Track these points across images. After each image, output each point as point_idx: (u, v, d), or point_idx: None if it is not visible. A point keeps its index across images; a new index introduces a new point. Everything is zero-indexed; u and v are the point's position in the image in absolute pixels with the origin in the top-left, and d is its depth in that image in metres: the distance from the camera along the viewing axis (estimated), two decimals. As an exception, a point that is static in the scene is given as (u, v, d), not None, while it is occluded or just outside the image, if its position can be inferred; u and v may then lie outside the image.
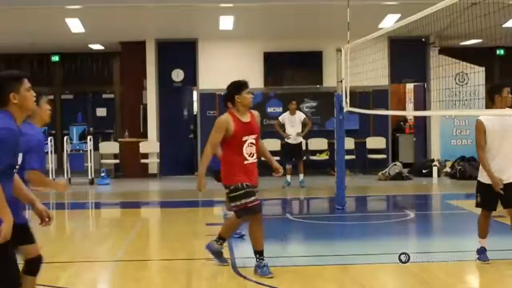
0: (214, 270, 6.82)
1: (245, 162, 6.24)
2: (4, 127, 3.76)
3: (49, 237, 9.48)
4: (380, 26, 14.41)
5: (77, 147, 15.86)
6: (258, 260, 6.37)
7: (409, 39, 14.48)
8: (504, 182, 6.42)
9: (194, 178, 6.37)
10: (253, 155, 6.29)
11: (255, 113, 6.54)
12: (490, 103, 6.63)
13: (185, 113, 17.63)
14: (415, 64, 17.05)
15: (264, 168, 17.92)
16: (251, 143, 6.27)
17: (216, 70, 16.87)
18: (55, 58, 19.50)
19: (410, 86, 19.01)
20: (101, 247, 8.30)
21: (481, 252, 6.66)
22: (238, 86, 6.33)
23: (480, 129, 6.49)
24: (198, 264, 7.14)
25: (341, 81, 10.84)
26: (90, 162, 15.55)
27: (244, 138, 6.23)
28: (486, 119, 6.51)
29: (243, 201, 6.22)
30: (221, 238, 6.78)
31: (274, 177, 6.92)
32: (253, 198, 6.22)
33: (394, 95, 18.23)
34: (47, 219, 4.55)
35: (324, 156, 16.68)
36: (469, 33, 7.62)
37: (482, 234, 6.66)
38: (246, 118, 6.32)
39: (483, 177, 6.56)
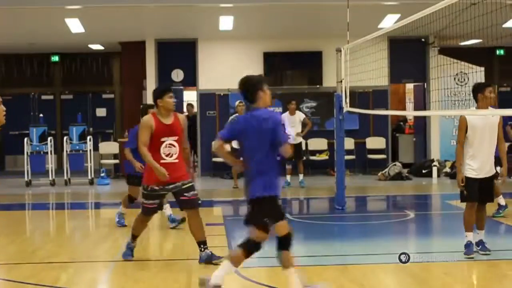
0: (214, 270, 6.82)
1: (162, 161, 6.67)
2: None
3: (49, 237, 9.50)
4: (380, 26, 14.42)
5: (77, 147, 15.86)
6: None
7: (408, 39, 14.48)
8: (481, 177, 6.79)
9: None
10: (171, 156, 6.74)
11: (181, 116, 6.99)
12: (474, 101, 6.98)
13: (185, 113, 17.63)
14: (414, 64, 17.05)
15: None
16: (171, 144, 6.73)
17: (216, 70, 16.88)
18: (55, 58, 19.52)
19: (409, 86, 19.02)
20: (101, 247, 8.29)
21: (468, 246, 6.76)
22: (160, 92, 6.85)
23: (461, 126, 6.81)
24: (198, 264, 7.14)
25: (341, 81, 10.84)
26: (90, 162, 15.55)
27: (162, 139, 6.71)
28: (470, 116, 6.83)
29: (144, 201, 7.01)
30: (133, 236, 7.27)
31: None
32: (150, 201, 6.93)
33: (393, 95, 18.23)
34: None
35: (324, 156, 16.68)
36: (468, 33, 7.61)
37: (469, 228, 6.83)
38: (168, 120, 6.78)
39: (468, 172, 6.81)
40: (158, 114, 6.81)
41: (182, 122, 6.92)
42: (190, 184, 6.85)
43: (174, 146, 6.75)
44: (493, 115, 6.77)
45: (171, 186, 6.79)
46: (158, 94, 6.83)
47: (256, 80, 5.48)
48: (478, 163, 6.76)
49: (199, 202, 6.96)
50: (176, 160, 6.77)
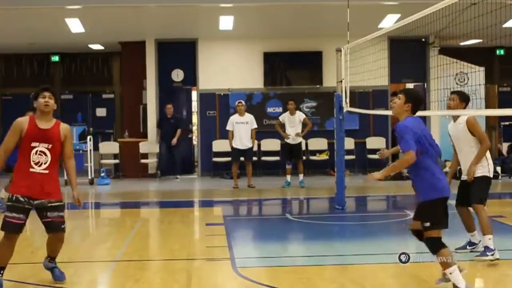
0: (214, 270, 6.83)
1: (31, 169, 5.90)
2: None
3: (49, 237, 9.49)
4: (380, 26, 14.43)
5: (77, 147, 15.84)
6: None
7: (409, 39, 14.48)
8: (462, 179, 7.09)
9: None
10: (41, 165, 5.93)
11: (64, 126, 6.15)
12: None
13: (184, 113, 17.63)
14: (415, 64, 17.06)
15: (264, 168, 17.88)
16: (42, 151, 5.93)
17: (216, 70, 16.89)
18: (55, 58, 19.53)
19: (410, 86, 19.00)
20: (101, 247, 8.29)
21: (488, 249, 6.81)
22: (35, 93, 6.12)
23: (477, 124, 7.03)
24: (198, 264, 7.14)
25: (341, 81, 10.84)
26: (90, 162, 15.55)
27: (33, 144, 5.91)
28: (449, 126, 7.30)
29: (6, 213, 5.90)
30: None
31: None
32: (14, 214, 5.86)
33: (394, 95, 18.23)
34: None
35: (324, 156, 16.68)
36: (468, 33, 7.62)
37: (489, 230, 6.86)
38: (45, 125, 6.00)
39: (490, 172, 7.00)
40: (36, 117, 6.03)
41: (63, 132, 6.08)
42: (57, 204, 6.02)
43: (45, 154, 5.94)
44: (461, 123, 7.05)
45: (36, 202, 5.94)
46: (35, 95, 6.12)
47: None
48: (463, 167, 7.18)
49: (63, 226, 6.13)
50: (46, 171, 5.95)
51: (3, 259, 5.94)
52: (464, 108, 7.08)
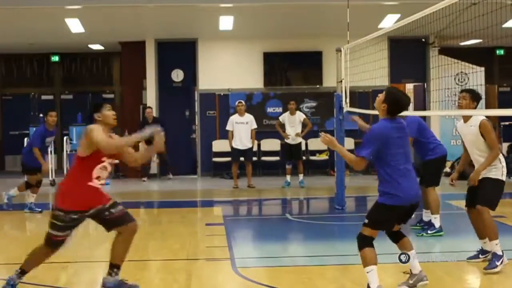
0: (214, 270, 6.83)
1: (89, 183, 5.65)
2: None
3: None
4: (380, 26, 14.43)
5: (77, 147, 15.87)
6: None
7: (409, 39, 14.49)
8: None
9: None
10: (100, 179, 5.73)
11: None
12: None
13: (187, 113, 17.60)
14: (415, 64, 17.06)
15: (264, 168, 17.91)
16: (105, 166, 5.76)
17: (216, 70, 16.89)
18: (55, 58, 19.52)
19: (410, 86, 19.00)
20: (101, 247, 8.27)
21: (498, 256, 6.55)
22: (98, 104, 6.05)
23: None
24: (198, 264, 7.14)
25: (341, 81, 10.84)
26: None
27: (102, 158, 5.72)
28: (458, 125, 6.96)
29: (56, 232, 5.64)
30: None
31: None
32: (65, 233, 5.66)
33: (394, 95, 18.22)
34: None
35: (323, 156, 16.68)
36: (468, 33, 7.62)
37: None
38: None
39: (503, 175, 6.66)
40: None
41: None
42: (112, 202, 5.86)
43: (106, 169, 5.77)
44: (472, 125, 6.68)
45: (91, 211, 5.71)
46: (96, 107, 6.01)
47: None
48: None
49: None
50: (102, 185, 5.78)
51: (31, 265, 5.83)
52: (475, 108, 6.81)
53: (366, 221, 5.55)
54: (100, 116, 5.90)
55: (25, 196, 11.35)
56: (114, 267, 5.79)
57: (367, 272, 5.35)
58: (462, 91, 6.94)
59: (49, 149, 12.38)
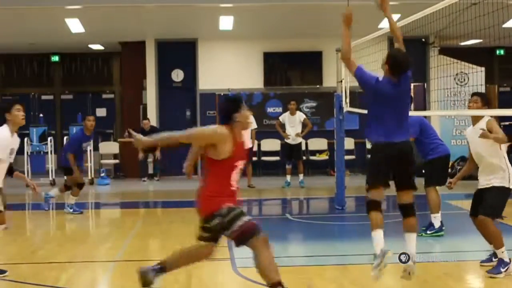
0: (214, 270, 6.83)
1: (231, 188, 5.22)
2: None
3: (49, 237, 9.50)
4: (380, 26, 14.41)
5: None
6: None
7: (409, 39, 14.44)
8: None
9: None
10: (236, 183, 5.25)
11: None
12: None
13: (188, 113, 17.59)
14: (415, 64, 16.97)
15: (264, 168, 17.87)
16: (241, 169, 5.25)
17: (216, 70, 16.89)
18: (55, 58, 19.53)
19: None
20: (101, 247, 8.29)
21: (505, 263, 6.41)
22: (235, 103, 5.19)
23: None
24: (198, 264, 7.13)
25: (341, 81, 10.84)
26: (90, 162, 15.55)
27: (237, 163, 5.14)
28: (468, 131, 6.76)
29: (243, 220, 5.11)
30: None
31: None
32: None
33: (394, 95, 18.21)
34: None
35: (323, 156, 16.68)
36: (468, 33, 7.62)
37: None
38: (241, 138, 5.22)
39: (510, 183, 6.38)
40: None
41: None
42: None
43: (239, 172, 5.24)
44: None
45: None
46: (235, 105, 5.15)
47: None
48: None
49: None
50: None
51: (180, 265, 5.61)
52: None
53: (366, 185, 5.87)
54: (238, 117, 5.10)
55: (64, 196, 11.29)
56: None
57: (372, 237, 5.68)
58: (473, 94, 6.76)
59: (88, 148, 12.24)
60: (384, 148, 5.77)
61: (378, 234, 5.45)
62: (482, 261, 6.67)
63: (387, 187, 6.02)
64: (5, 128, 6.38)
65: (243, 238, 5.09)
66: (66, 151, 10.93)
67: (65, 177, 11.02)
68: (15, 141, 6.57)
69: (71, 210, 10.98)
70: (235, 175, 5.16)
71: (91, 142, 11.49)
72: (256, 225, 5.10)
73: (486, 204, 6.32)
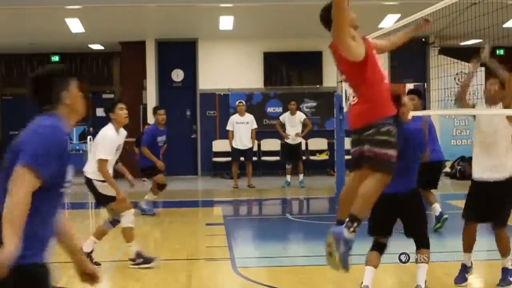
0: (214, 270, 6.83)
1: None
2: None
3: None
4: (380, 26, 14.41)
5: (77, 147, 15.86)
6: None
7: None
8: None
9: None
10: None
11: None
12: None
13: (188, 113, 17.59)
14: (415, 64, 17.05)
15: (264, 168, 17.85)
16: None
17: (216, 70, 16.89)
18: (55, 58, 19.52)
19: (409, 86, 19.00)
20: (101, 247, 8.29)
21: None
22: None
23: None
24: (198, 264, 7.14)
25: (341, 81, 10.84)
26: (90, 162, 15.53)
27: None
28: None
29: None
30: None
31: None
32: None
33: (394, 95, 18.22)
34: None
35: (323, 156, 16.68)
36: (469, 33, 7.62)
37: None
38: None
39: None
40: None
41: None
42: None
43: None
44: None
45: None
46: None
47: None
48: None
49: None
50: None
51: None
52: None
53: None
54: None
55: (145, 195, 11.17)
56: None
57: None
58: (489, 78, 6.56)
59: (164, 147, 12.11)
60: None
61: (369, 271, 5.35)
62: (457, 282, 6.22)
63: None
64: (110, 127, 6.60)
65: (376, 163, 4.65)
66: (143, 146, 10.80)
67: (152, 178, 10.89)
68: (121, 137, 6.90)
69: (146, 208, 10.75)
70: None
71: (165, 136, 11.30)
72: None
73: (505, 213, 5.95)
